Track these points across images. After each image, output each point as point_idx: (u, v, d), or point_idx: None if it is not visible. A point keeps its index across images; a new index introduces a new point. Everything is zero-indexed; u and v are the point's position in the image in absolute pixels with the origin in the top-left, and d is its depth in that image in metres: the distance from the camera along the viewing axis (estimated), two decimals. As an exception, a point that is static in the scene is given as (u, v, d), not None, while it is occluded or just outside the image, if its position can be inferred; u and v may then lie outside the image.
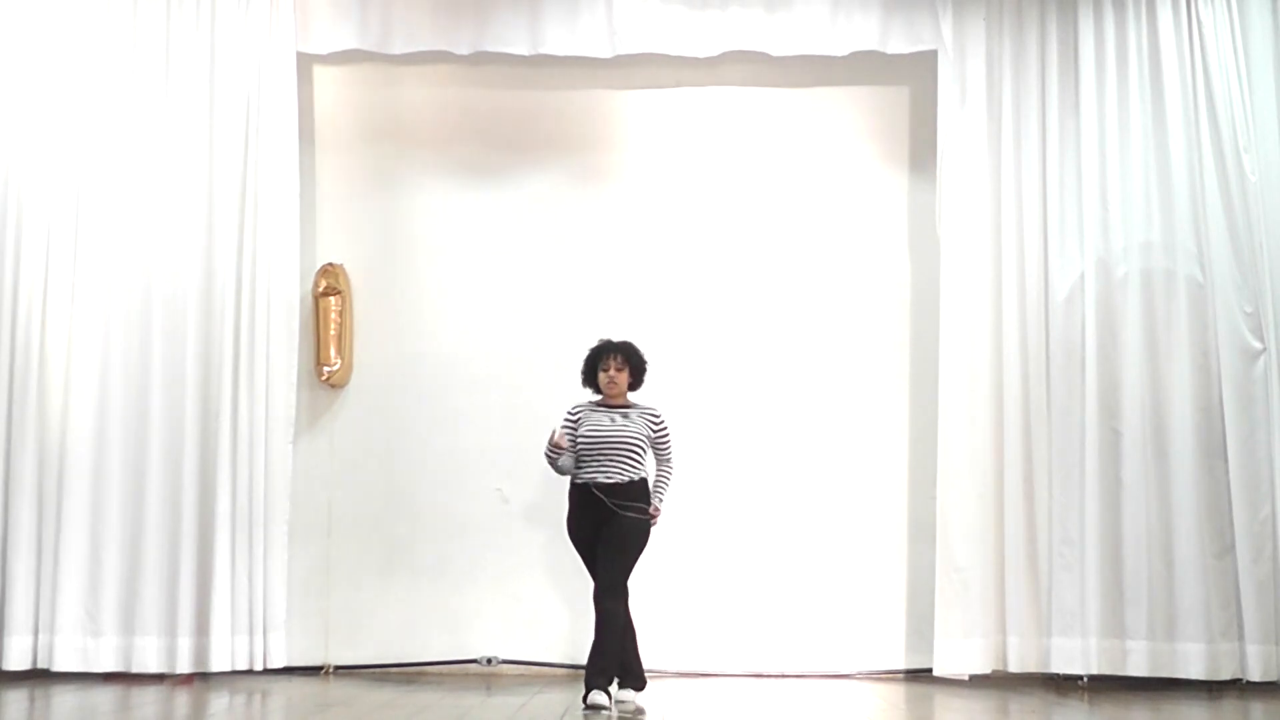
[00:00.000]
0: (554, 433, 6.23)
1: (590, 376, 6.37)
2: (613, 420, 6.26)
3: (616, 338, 6.40)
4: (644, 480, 6.23)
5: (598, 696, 5.89)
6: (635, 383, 6.38)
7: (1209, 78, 7.08)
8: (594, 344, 6.40)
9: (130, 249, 7.05)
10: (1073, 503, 6.96)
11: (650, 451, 6.32)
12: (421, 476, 7.33)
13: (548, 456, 6.25)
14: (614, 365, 6.29)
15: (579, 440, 6.23)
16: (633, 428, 6.24)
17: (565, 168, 7.55)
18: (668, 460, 6.38)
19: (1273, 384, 6.90)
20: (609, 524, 6.09)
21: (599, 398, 6.37)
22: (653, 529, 6.23)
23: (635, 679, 6.20)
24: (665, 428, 6.35)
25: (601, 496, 6.10)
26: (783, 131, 7.54)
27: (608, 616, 6.01)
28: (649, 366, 6.41)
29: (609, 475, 6.15)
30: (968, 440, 7.01)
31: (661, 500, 6.30)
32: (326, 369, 7.24)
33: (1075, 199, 7.12)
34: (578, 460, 6.23)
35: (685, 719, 6.05)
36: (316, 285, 7.27)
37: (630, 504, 6.13)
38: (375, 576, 7.29)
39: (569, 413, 6.35)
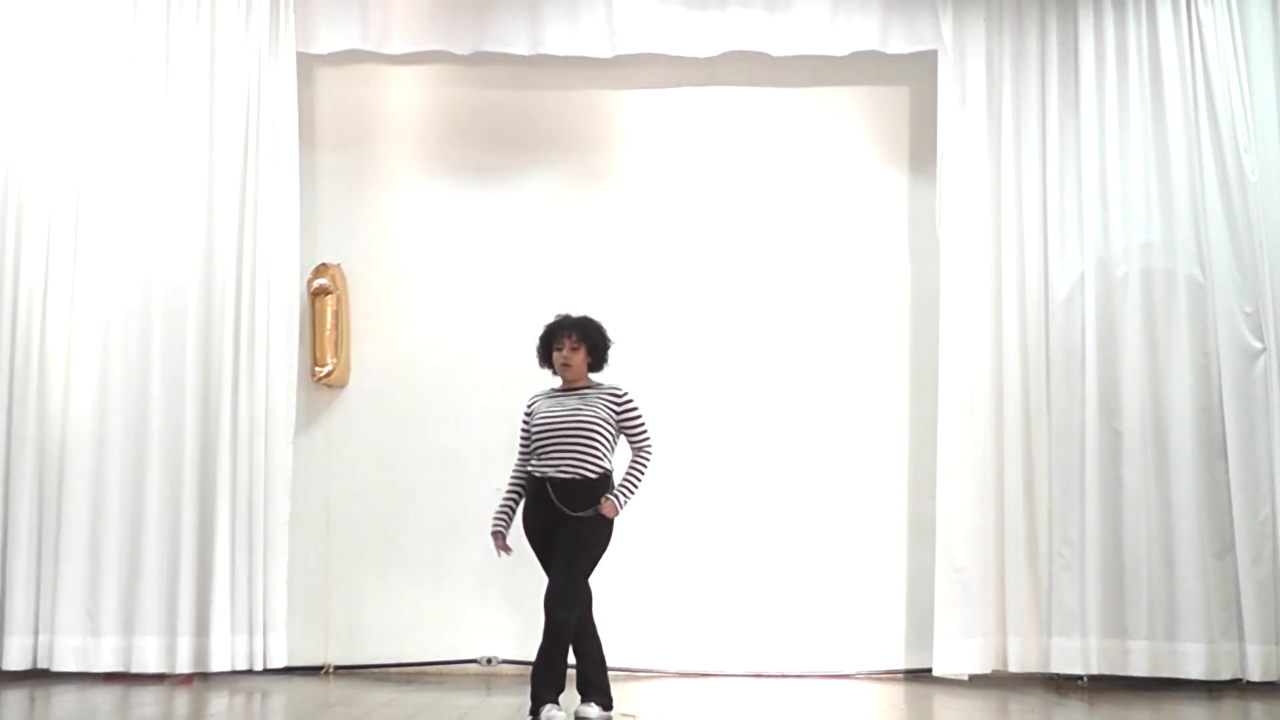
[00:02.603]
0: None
1: (546, 356, 5.83)
2: (564, 405, 5.70)
3: (575, 313, 5.87)
4: (605, 476, 5.64)
5: (552, 712, 5.44)
6: (596, 363, 5.80)
7: (1209, 78, 7.07)
8: (549, 320, 5.86)
9: (130, 249, 7.05)
10: (1073, 503, 6.95)
11: (618, 438, 5.73)
12: (421, 476, 7.33)
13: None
14: (569, 344, 5.71)
15: (533, 431, 5.72)
16: (588, 411, 5.65)
17: (565, 168, 7.56)
18: (642, 446, 5.72)
19: (1273, 384, 6.90)
20: (562, 526, 5.58)
21: (558, 383, 5.84)
22: (614, 522, 5.66)
23: (601, 694, 5.66)
24: (632, 406, 5.72)
25: (553, 495, 5.58)
26: (783, 131, 7.54)
27: (558, 626, 5.50)
28: (612, 343, 5.84)
29: (561, 469, 5.60)
30: (967, 440, 7.00)
31: (631, 493, 5.64)
32: (321, 369, 7.24)
33: (1075, 199, 7.12)
34: (534, 452, 5.70)
35: (685, 719, 6.05)
36: (309, 285, 7.26)
37: (583, 505, 5.57)
38: (375, 576, 7.29)
39: (525, 410, 5.84)
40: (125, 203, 7.07)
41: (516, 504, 5.80)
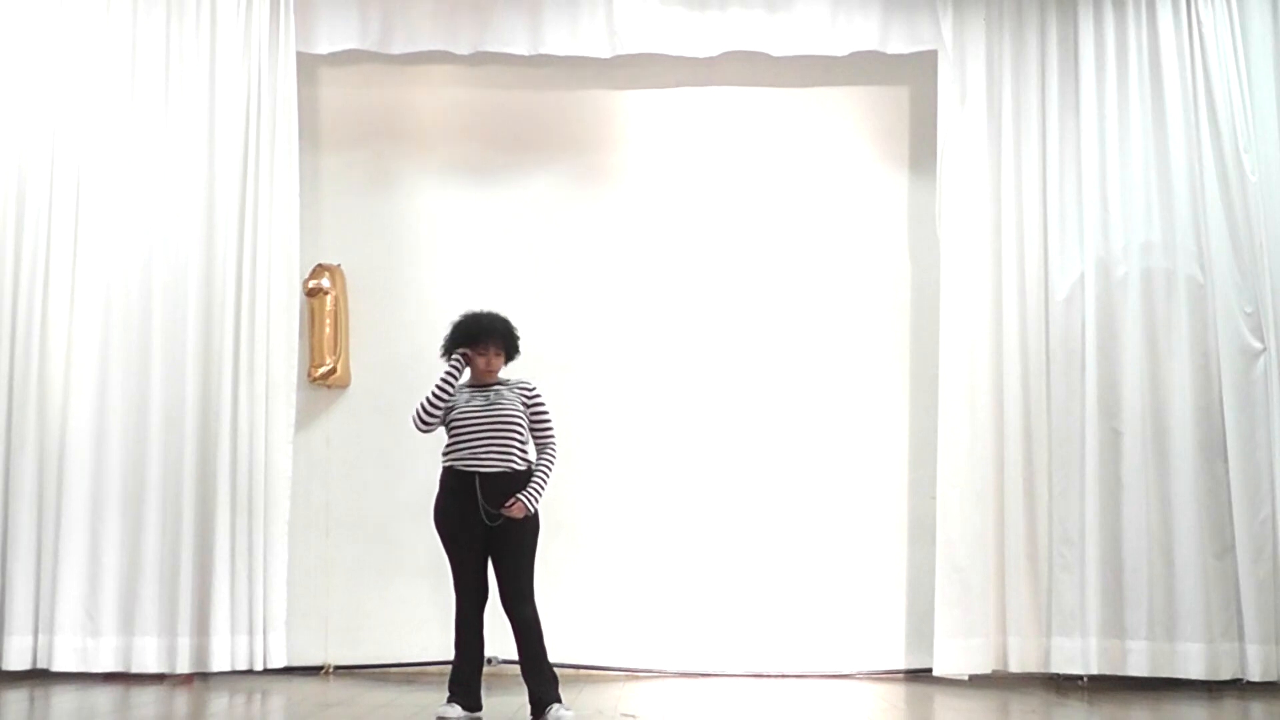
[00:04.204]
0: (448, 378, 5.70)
1: (455, 346, 5.82)
2: (487, 398, 5.76)
3: (489, 311, 5.88)
4: (528, 471, 5.71)
5: (559, 712, 5.55)
6: (508, 361, 5.91)
7: (1209, 78, 7.07)
8: (467, 315, 5.86)
9: (130, 249, 7.05)
10: (1073, 503, 6.95)
11: (528, 431, 5.78)
12: (421, 476, 7.30)
13: (438, 399, 5.73)
14: (492, 350, 5.79)
15: (451, 422, 5.76)
16: (509, 406, 5.73)
17: (565, 168, 7.56)
18: (548, 446, 5.79)
19: (1273, 384, 6.90)
20: (496, 532, 5.64)
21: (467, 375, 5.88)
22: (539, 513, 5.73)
23: (470, 696, 5.74)
24: (542, 404, 5.81)
25: (479, 490, 5.62)
26: (783, 131, 7.54)
27: (526, 624, 5.63)
28: (520, 345, 5.90)
29: (487, 463, 5.65)
30: (968, 440, 7.00)
31: (540, 493, 5.68)
32: (318, 370, 7.24)
33: (1075, 199, 7.12)
34: (449, 443, 5.76)
35: (685, 719, 6.05)
36: (305, 285, 7.26)
37: (508, 498, 5.61)
38: (375, 576, 7.29)
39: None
40: (125, 203, 7.07)
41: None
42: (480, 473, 5.66)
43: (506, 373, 5.91)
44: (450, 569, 5.77)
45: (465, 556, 5.71)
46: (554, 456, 5.81)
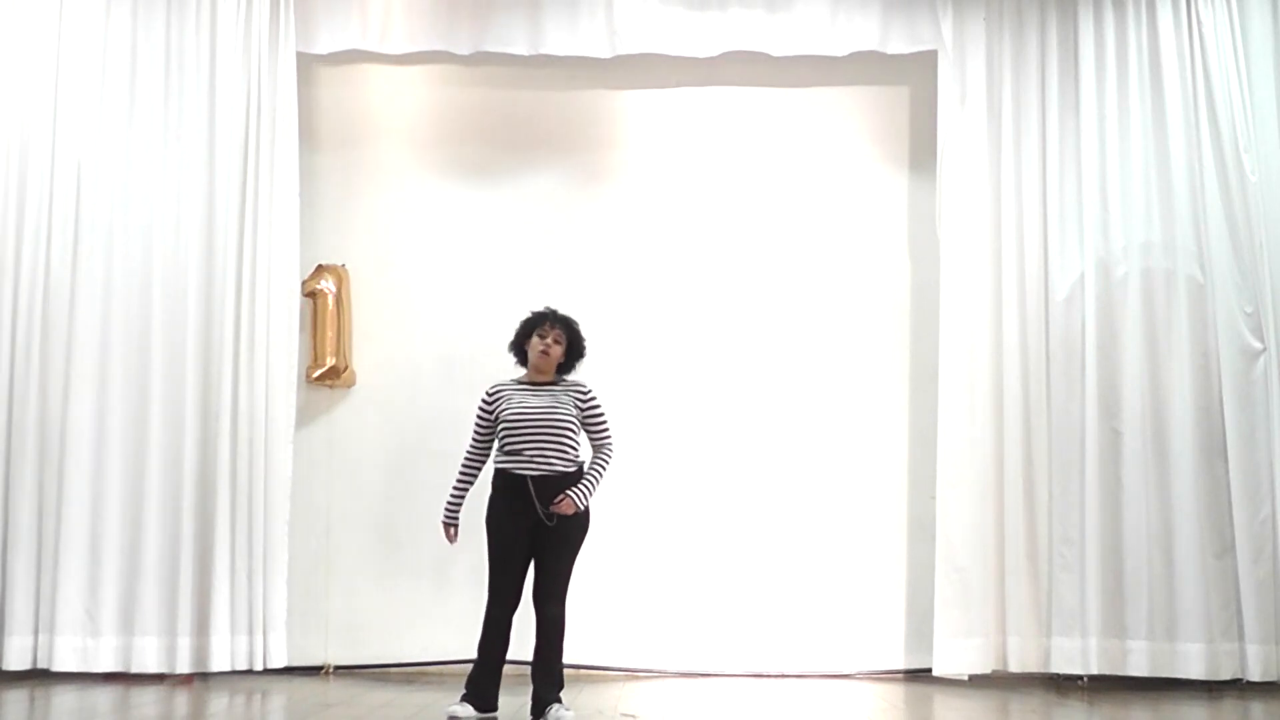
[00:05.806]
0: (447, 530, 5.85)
1: (520, 345, 5.90)
2: (539, 397, 5.76)
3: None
4: (579, 472, 5.74)
5: (559, 712, 5.56)
6: (567, 365, 5.89)
7: (1209, 78, 7.07)
8: (534, 310, 5.95)
9: (130, 249, 7.04)
10: (1073, 503, 6.95)
11: (581, 434, 5.79)
12: (421, 476, 7.32)
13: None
14: (552, 335, 5.81)
15: (501, 423, 5.74)
16: (562, 406, 5.73)
17: (565, 168, 7.56)
18: (603, 445, 5.81)
19: (1273, 384, 6.90)
20: (548, 530, 5.66)
21: (522, 374, 5.92)
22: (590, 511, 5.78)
23: (480, 700, 5.73)
24: (596, 403, 5.82)
25: (534, 493, 5.66)
26: (783, 131, 7.54)
27: (551, 623, 5.65)
28: (586, 352, 5.93)
29: (539, 466, 5.66)
30: (967, 440, 7.00)
31: (591, 491, 5.71)
32: (319, 370, 7.24)
33: (1075, 199, 7.12)
34: (501, 445, 5.75)
35: (685, 719, 6.05)
36: (304, 287, 7.26)
37: (554, 504, 5.63)
38: (375, 576, 7.29)
39: (486, 395, 5.85)
40: (125, 203, 7.07)
41: (467, 493, 5.92)
42: (532, 476, 5.68)
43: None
44: (488, 569, 5.78)
45: (508, 560, 5.73)
46: (609, 457, 5.82)
